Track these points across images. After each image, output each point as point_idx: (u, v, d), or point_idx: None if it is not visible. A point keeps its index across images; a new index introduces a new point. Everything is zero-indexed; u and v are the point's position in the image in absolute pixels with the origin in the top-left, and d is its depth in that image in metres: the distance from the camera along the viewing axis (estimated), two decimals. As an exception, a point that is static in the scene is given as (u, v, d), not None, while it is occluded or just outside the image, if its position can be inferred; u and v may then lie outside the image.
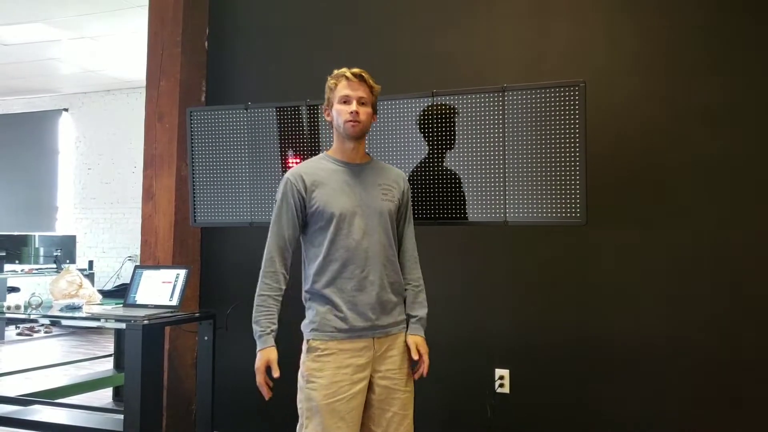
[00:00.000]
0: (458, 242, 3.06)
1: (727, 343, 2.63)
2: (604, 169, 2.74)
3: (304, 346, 2.05)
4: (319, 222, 2.04)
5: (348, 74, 2.07)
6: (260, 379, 2.01)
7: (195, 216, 2.97)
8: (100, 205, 8.66)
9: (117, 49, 6.79)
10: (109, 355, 5.70)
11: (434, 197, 2.53)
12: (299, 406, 2.03)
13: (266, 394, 2.02)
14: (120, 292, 3.75)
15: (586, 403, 2.81)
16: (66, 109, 8.98)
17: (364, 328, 2.02)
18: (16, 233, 7.09)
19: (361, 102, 2.06)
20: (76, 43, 6.65)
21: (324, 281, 2.03)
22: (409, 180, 2.53)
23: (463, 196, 2.49)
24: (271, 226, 2.08)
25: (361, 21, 3.34)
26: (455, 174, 2.51)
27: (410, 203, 2.24)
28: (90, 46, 6.75)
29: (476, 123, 2.46)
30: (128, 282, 3.19)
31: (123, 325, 2.75)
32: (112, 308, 3.07)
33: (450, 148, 2.51)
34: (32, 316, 3.09)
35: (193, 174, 2.94)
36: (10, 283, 6.98)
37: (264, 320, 2.02)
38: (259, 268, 2.08)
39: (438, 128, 2.52)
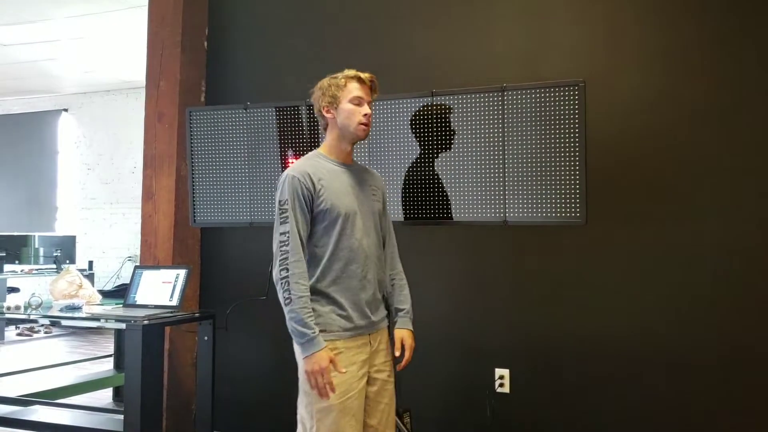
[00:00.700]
0: (458, 242, 3.06)
1: (727, 343, 2.63)
2: (604, 169, 2.74)
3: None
4: (324, 221, 2.04)
5: (362, 76, 2.09)
6: (327, 378, 1.92)
7: (195, 216, 2.97)
8: (100, 205, 8.66)
9: (117, 49, 6.79)
10: (109, 356, 5.70)
11: (434, 197, 2.53)
12: (305, 410, 1.99)
13: (330, 393, 1.95)
14: (120, 293, 3.75)
15: (586, 402, 2.81)
16: (66, 110, 8.98)
17: (364, 325, 2.06)
18: (16, 233, 7.09)
19: (370, 106, 2.10)
20: (75, 44, 6.65)
21: (328, 280, 2.03)
22: (408, 179, 2.54)
23: (463, 195, 2.49)
24: (282, 226, 1.98)
25: (360, 21, 3.34)
26: (455, 173, 2.51)
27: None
28: (90, 46, 6.75)
29: (476, 123, 2.45)
30: (128, 282, 3.19)
31: (123, 326, 2.75)
32: (112, 308, 3.07)
33: (449, 148, 2.50)
34: (32, 317, 3.09)
35: (193, 174, 2.94)
36: (10, 283, 6.98)
37: (311, 321, 1.94)
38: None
39: (436, 128, 2.52)
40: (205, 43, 3.67)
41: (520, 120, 2.39)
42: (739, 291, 2.63)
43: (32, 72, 7.82)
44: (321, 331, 1.97)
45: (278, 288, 1.95)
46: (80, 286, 3.32)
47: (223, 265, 3.55)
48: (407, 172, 2.55)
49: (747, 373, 2.60)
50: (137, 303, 3.03)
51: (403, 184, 2.58)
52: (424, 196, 2.53)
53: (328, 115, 2.10)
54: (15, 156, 9.13)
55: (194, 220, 2.99)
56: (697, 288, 2.68)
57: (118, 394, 4.56)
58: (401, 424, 2.45)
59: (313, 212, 2.03)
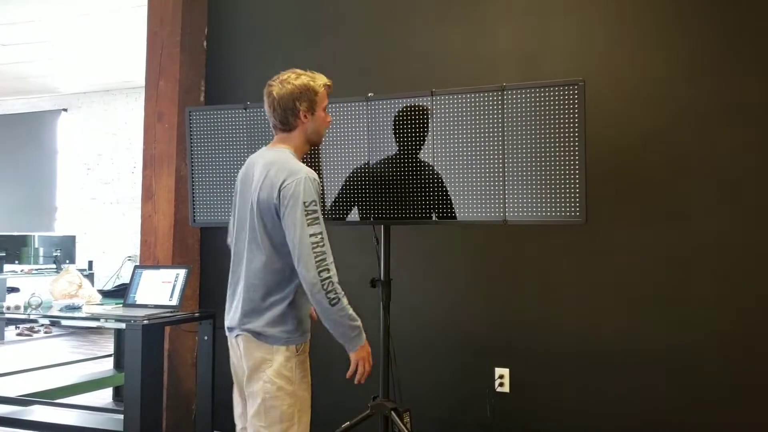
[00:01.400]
0: (458, 242, 3.06)
1: (727, 343, 2.63)
2: (604, 168, 2.74)
3: (286, 353, 2.02)
4: None
5: (330, 84, 2.17)
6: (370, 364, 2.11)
7: (194, 216, 2.97)
8: (100, 205, 8.66)
9: (117, 49, 6.78)
10: (109, 355, 5.70)
11: (433, 196, 2.52)
12: (288, 410, 2.01)
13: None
14: (120, 292, 3.74)
15: (586, 402, 2.81)
16: (65, 110, 8.97)
17: None
18: (15, 233, 7.08)
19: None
20: (75, 44, 6.65)
21: (300, 290, 2.04)
22: (408, 179, 2.54)
23: (463, 194, 2.48)
24: (312, 227, 1.95)
25: (360, 21, 3.34)
26: (455, 173, 2.50)
27: None
28: (90, 46, 6.74)
29: (476, 122, 2.45)
30: (128, 282, 3.19)
31: (123, 325, 2.75)
32: (112, 308, 3.07)
33: (449, 148, 2.50)
34: (32, 317, 3.09)
35: (193, 174, 2.93)
36: (10, 283, 6.97)
37: (354, 314, 2.04)
38: None
39: (436, 128, 2.52)
40: (205, 43, 3.67)
41: (519, 119, 2.39)
42: (739, 291, 2.63)
43: (32, 72, 7.82)
44: (304, 333, 2.08)
45: (318, 289, 1.94)
46: (80, 286, 3.31)
47: (223, 265, 3.54)
48: (407, 172, 2.55)
49: (747, 373, 2.60)
50: (137, 303, 3.03)
51: (403, 184, 2.57)
52: (423, 196, 2.53)
53: (304, 120, 2.09)
54: (15, 156, 9.13)
55: (194, 220, 2.98)
56: (697, 288, 2.68)
57: (118, 394, 4.56)
58: (401, 424, 2.45)
59: None
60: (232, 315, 2.11)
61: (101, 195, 8.66)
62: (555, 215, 2.35)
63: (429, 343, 3.09)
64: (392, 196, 2.58)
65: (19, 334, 7.59)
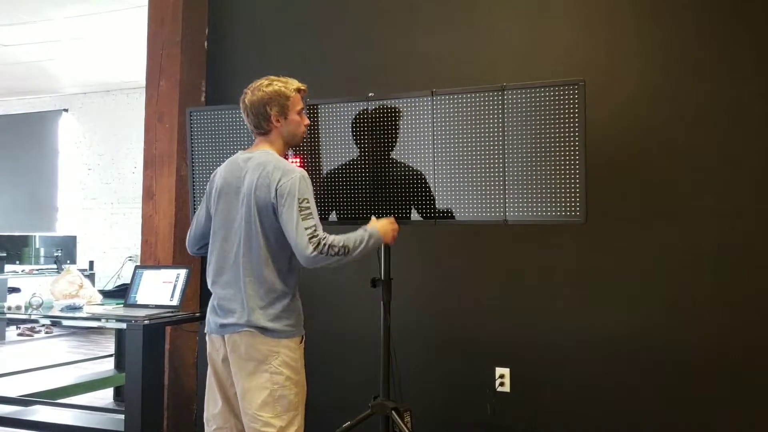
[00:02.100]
0: (458, 241, 3.06)
1: (727, 343, 2.63)
2: (604, 168, 2.74)
3: (291, 344, 2.14)
4: None
5: (304, 88, 2.26)
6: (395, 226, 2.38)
7: (195, 216, 2.97)
8: (101, 205, 8.66)
9: (117, 49, 6.79)
10: (110, 356, 5.71)
11: (433, 196, 2.52)
12: (294, 399, 2.12)
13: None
14: (120, 293, 3.75)
15: (586, 401, 2.81)
16: (66, 110, 8.98)
17: None
18: (16, 234, 7.09)
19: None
20: (75, 44, 6.65)
21: (296, 287, 2.20)
22: (408, 179, 2.54)
23: (463, 194, 2.49)
24: (306, 221, 2.05)
25: (360, 21, 3.34)
26: (455, 173, 2.51)
27: None
28: (90, 46, 6.75)
29: (476, 122, 2.45)
30: (129, 282, 3.19)
31: (124, 325, 2.76)
32: (113, 308, 3.07)
33: (448, 147, 2.50)
34: (33, 317, 3.09)
35: (193, 174, 2.94)
36: (11, 283, 6.98)
37: (356, 233, 2.17)
38: None
39: (435, 127, 2.52)
40: (205, 43, 3.67)
41: (519, 119, 2.39)
42: (739, 291, 2.63)
43: (32, 72, 7.82)
44: (302, 327, 2.19)
45: (323, 258, 2.04)
46: (81, 286, 3.32)
47: (223, 265, 3.54)
48: (406, 171, 2.55)
49: (747, 373, 2.60)
50: (138, 303, 3.03)
51: (403, 184, 2.57)
52: (423, 196, 2.53)
53: (277, 124, 2.20)
54: (15, 156, 9.14)
55: (194, 220, 2.99)
56: (697, 288, 2.68)
57: (118, 394, 4.57)
58: (402, 424, 2.45)
59: None
60: (224, 314, 2.20)
61: (102, 195, 8.66)
62: (555, 215, 2.35)
63: (430, 343, 3.09)
64: (392, 196, 2.58)
65: (20, 335, 7.60)
